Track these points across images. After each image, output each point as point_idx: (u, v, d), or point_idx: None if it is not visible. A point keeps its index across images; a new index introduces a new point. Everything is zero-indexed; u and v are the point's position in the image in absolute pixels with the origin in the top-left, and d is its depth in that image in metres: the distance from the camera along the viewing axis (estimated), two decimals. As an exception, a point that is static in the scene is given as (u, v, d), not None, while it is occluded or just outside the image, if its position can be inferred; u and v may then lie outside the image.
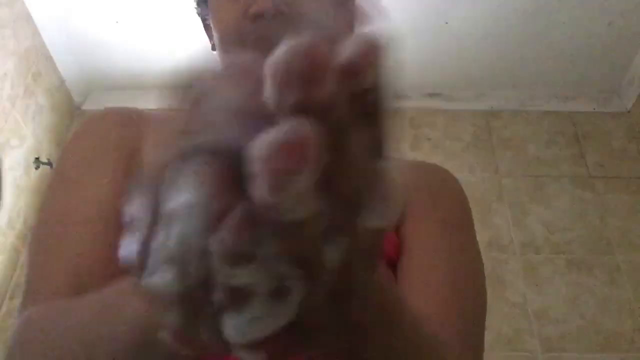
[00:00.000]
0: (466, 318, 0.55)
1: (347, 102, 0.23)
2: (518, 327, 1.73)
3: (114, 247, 0.50)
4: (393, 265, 0.60)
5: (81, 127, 0.67)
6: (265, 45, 0.23)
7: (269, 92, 0.22)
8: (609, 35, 2.04)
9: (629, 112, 2.19)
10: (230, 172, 0.23)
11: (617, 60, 2.14)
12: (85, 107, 2.24)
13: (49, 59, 2.04)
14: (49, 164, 2.04)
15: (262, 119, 0.22)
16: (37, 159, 1.97)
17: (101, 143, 0.64)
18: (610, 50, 2.10)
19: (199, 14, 0.74)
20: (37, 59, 1.97)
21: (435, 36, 2.05)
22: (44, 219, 0.60)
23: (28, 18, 1.91)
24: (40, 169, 1.98)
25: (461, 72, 2.18)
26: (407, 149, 2.09)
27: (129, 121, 0.66)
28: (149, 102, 2.65)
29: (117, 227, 0.56)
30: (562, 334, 1.72)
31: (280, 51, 0.22)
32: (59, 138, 2.11)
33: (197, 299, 0.24)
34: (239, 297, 0.24)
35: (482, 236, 2.21)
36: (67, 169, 0.63)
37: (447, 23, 2.01)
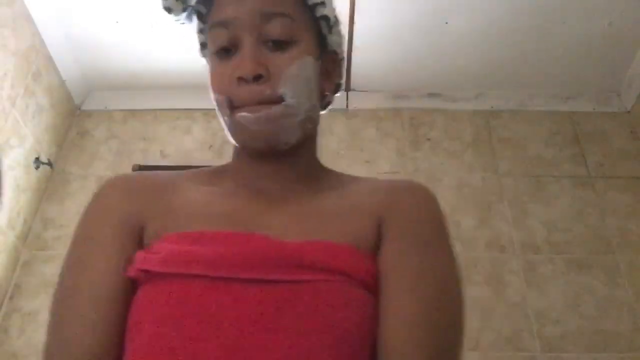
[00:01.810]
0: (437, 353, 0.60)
1: None
2: (518, 327, 1.73)
3: (113, 324, 0.63)
4: (370, 290, 0.63)
5: (91, 201, 0.72)
6: None
7: None
8: (609, 35, 2.04)
9: (629, 112, 2.19)
10: None
11: (617, 60, 2.13)
12: (85, 107, 2.24)
13: (49, 59, 2.03)
14: (49, 164, 2.04)
15: None
16: (37, 159, 1.97)
17: (106, 220, 0.69)
18: (610, 50, 2.10)
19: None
20: (37, 59, 1.97)
21: (435, 36, 2.05)
22: (57, 297, 0.67)
23: (28, 18, 1.91)
24: (40, 169, 1.98)
25: (461, 72, 2.17)
26: (407, 149, 2.09)
27: (137, 191, 0.72)
28: (149, 102, 2.63)
29: (120, 297, 0.64)
30: (562, 334, 1.72)
31: None
32: (59, 138, 2.11)
33: None
34: None
35: (482, 236, 2.20)
36: (75, 248, 0.69)
37: (447, 23, 2.01)
